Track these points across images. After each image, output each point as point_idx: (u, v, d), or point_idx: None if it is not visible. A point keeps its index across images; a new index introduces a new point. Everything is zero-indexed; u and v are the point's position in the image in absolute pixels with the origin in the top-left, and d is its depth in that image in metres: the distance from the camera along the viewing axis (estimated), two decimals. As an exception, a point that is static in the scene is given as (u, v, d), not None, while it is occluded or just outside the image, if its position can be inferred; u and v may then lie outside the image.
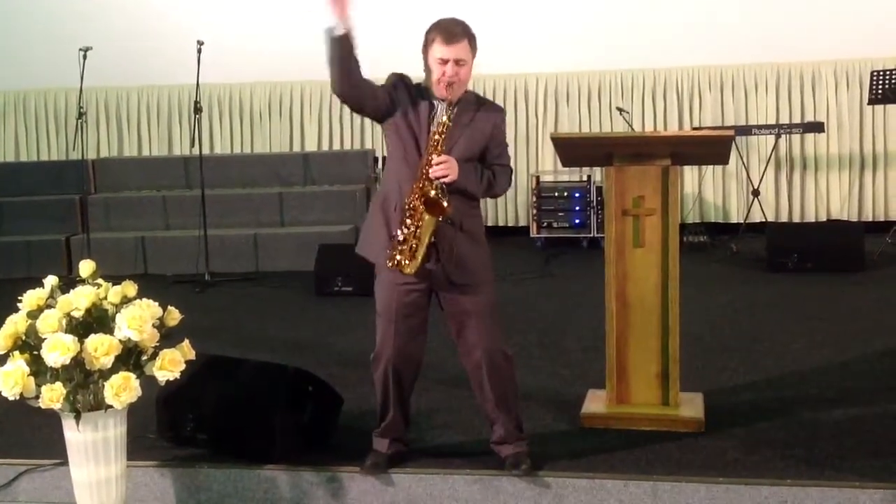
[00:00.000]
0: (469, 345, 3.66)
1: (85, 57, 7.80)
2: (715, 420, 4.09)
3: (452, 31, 3.51)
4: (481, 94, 3.74)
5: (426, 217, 3.47)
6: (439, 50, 3.50)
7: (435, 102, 3.59)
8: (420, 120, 3.57)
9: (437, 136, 3.49)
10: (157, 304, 3.54)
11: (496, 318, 3.70)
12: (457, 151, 3.54)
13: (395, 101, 3.60)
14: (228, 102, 10.19)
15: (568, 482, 3.62)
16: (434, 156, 3.48)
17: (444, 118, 3.50)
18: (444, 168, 3.46)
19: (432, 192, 3.46)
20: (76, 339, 3.28)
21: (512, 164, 3.84)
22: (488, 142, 3.64)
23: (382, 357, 3.68)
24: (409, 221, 3.49)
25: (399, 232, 3.51)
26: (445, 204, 3.45)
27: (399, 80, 3.65)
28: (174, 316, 3.61)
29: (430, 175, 3.47)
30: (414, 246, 3.49)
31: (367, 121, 9.85)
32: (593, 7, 9.53)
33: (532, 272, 7.82)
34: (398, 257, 3.50)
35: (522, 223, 9.71)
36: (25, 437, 4.20)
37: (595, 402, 4.27)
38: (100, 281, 3.55)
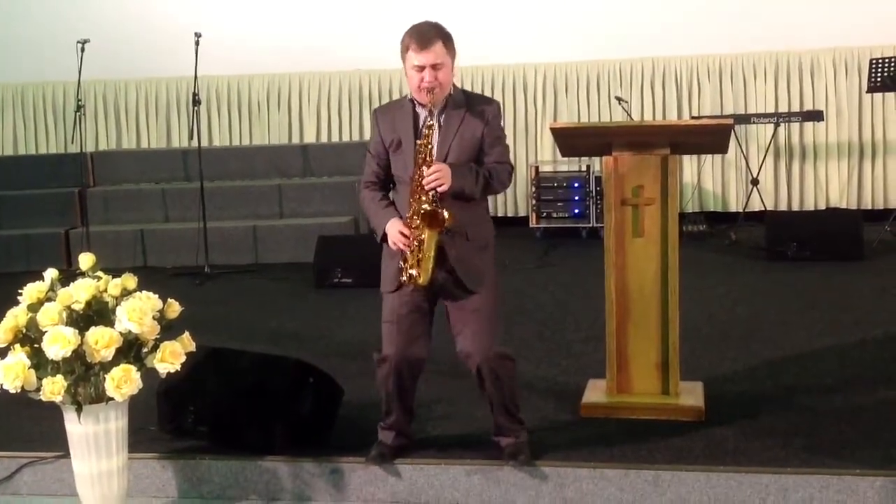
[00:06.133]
0: (466, 351, 3.63)
1: (83, 50, 7.78)
2: (715, 409, 4.10)
3: (425, 35, 3.46)
4: (472, 90, 3.70)
5: (425, 231, 3.45)
6: (414, 57, 3.46)
7: (419, 111, 3.56)
8: (408, 135, 3.55)
9: (422, 147, 3.46)
10: (157, 296, 3.54)
11: (494, 322, 3.67)
12: (449, 160, 3.51)
13: (385, 138, 3.61)
14: (227, 95, 10.17)
15: (569, 471, 3.63)
16: (424, 168, 3.44)
17: (428, 129, 3.46)
18: (436, 177, 3.42)
19: (428, 206, 3.44)
20: (77, 331, 3.29)
21: (511, 155, 3.81)
22: (481, 142, 3.58)
23: (386, 359, 3.67)
24: (412, 235, 3.48)
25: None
26: (445, 215, 3.43)
27: (375, 118, 3.69)
28: (174, 308, 3.62)
29: (423, 186, 3.44)
30: (420, 259, 3.47)
31: (366, 112, 9.89)
32: (591, -4, 9.53)
33: (531, 262, 7.82)
34: (409, 271, 3.49)
35: (522, 213, 9.71)
36: (26, 429, 4.21)
37: (595, 392, 4.27)
38: (100, 274, 3.56)
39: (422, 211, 3.45)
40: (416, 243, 3.47)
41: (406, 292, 3.58)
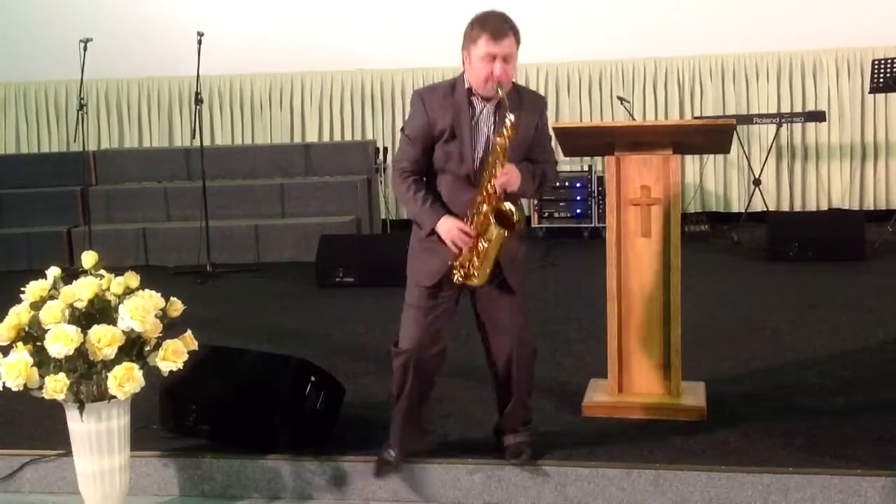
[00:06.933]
0: (501, 336, 3.59)
1: (85, 48, 7.78)
2: (716, 409, 4.10)
3: (499, 26, 3.34)
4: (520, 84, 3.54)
5: (495, 232, 3.36)
6: (487, 46, 3.31)
7: (475, 102, 3.43)
8: (465, 127, 3.42)
9: (499, 148, 3.32)
10: (159, 294, 3.55)
11: (526, 312, 3.66)
12: (510, 156, 3.39)
13: (434, 125, 3.43)
14: (229, 93, 10.19)
15: (570, 471, 3.63)
16: (498, 167, 3.33)
17: (508, 126, 3.28)
18: (507, 178, 3.34)
19: (505, 206, 3.36)
20: (79, 329, 3.29)
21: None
22: (533, 139, 3.52)
23: (404, 350, 3.55)
24: (472, 234, 3.38)
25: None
26: (516, 219, 3.36)
27: (421, 100, 3.45)
28: (176, 307, 3.62)
29: (496, 186, 3.33)
30: (479, 260, 3.40)
31: (368, 111, 9.90)
32: (594, -4, 9.52)
33: (533, 262, 7.81)
34: (464, 271, 3.43)
35: (524, 213, 9.72)
36: (29, 427, 4.21)
37: (597, 392, 4.28)
38: (102, 272, 3.56)
39: (497, 210, 3.36)
40: (479, 242, 3.38)
41: (442, 290, 3.50)
